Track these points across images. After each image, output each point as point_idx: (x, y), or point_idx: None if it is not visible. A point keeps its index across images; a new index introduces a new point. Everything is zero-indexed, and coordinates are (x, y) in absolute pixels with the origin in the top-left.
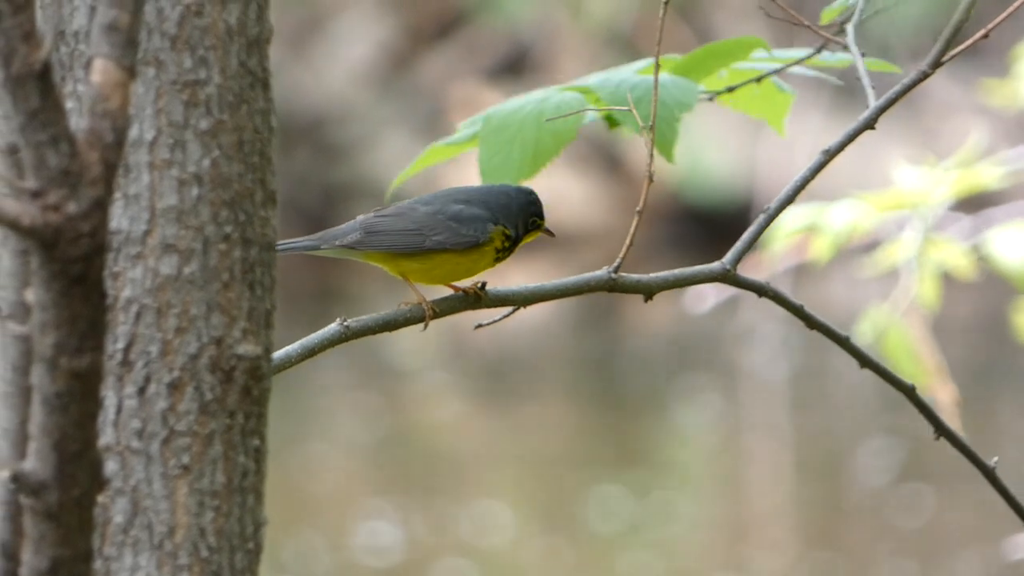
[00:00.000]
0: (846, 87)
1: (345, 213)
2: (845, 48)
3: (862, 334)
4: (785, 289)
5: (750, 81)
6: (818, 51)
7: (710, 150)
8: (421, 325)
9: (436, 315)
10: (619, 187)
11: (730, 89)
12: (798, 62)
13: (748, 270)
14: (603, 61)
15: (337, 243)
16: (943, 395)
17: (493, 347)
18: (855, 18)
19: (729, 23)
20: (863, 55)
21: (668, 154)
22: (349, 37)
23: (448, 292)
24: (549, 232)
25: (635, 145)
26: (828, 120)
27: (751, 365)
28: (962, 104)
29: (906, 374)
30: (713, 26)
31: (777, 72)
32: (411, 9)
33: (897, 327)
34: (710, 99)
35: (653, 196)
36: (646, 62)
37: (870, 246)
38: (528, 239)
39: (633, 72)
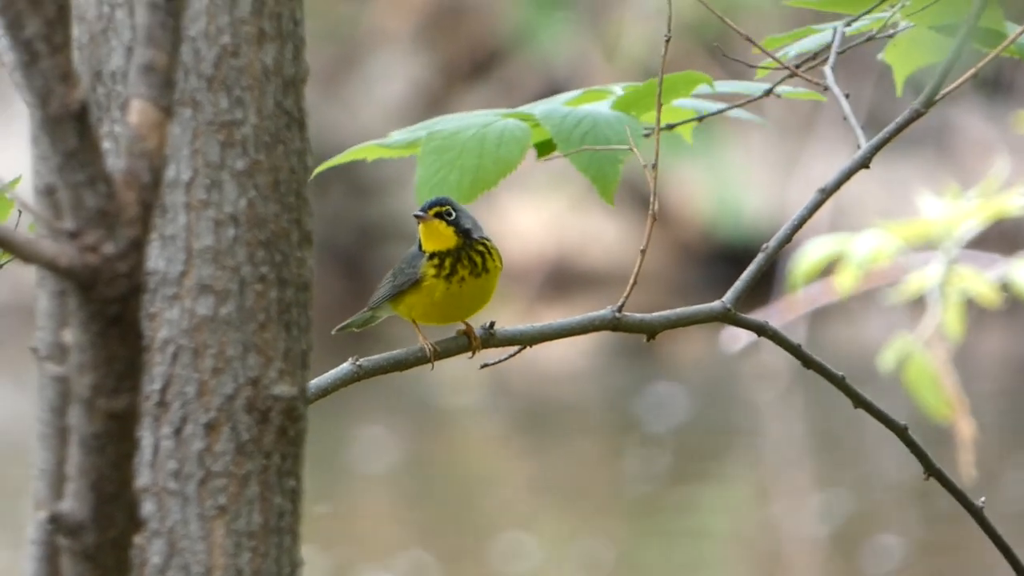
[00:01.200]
0: (878, 125)
1: (379, 252)
2: (825, 88)
3: (885, 363)
4: (808, 328)
5: (691, 120)
6: (767, 93)
7: (740, 188)
8: (429, 365)
9: (439, 355)
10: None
11: (670, 127)
12: (741, 104)
13: (780, 309)
14: None
15: (364, 311)
16: (962, 428)
17: (527, 382)
18: (831, 59)
19: (759, 60)
20: (846, 96)
21: (607, 196)
22: (384, 75)
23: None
24: (418, 216)
25: (668, 185)
26: (854, 151)
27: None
28: (999, 143)
29: (928, 405)
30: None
31: (719, 113)
32: (445, 47)
33: (920, 357)
34: (647, 135)
35: (684, 235)
36: (575, 93)
37: (899, 281)
38: (424, 235)
39: (563, 102)
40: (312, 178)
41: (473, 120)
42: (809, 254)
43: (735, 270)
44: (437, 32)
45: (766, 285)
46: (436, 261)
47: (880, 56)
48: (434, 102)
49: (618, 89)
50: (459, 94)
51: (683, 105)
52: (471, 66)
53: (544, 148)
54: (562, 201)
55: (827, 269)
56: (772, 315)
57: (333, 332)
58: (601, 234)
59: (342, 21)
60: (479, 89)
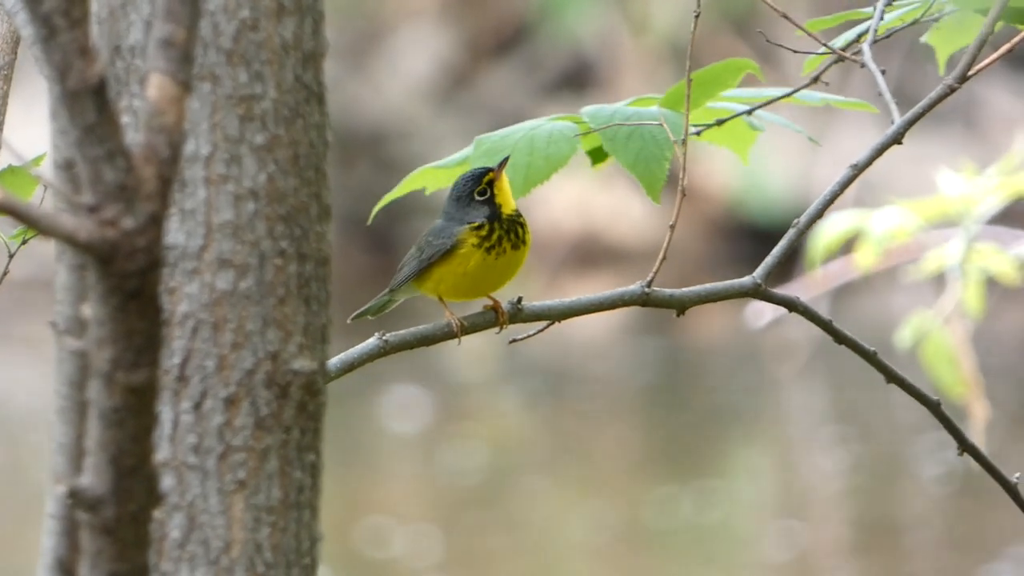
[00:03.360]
0: (905, 101)
1: (406, 227)
2: (863, 65)
3: (903, 340)
4: (832, 303)
5: (739, 114)
6: (797, 89)
7: (766, 165)
8: (456, 340)
9: (466, 330)
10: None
11: (720, 122)
12: (780, 98)
13: (805, 284)
14: (663, 76)
15: (383, 294)
16: (976, 408)
17: (551, 356)
18: (870, 37)
19: (788, 39)
20: (883, 72)
21: (654, 194)
22: (409, 51)
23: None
24: (501, 163)
25: (694, 160)
26: (885, 130)
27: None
28: None
29: (944, 382)
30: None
31: (764, 105)
32: (471, 23)
33: (938, 335)
34: (697, 134)
35: (711, 212)
36: (636, 97)
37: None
38: (501, 192)
39: (624, 105)
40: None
41: (521, 127)
42: (827, 230)
43: (761, 245)
44: (462, 7)
45: (791, 261)
46: (483, 231)
47: (923, 39)
48: (459, 78)
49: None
50: (484, 70)
51: (726, 107)
52: (496, 42)
53: (597, 155)
54: (589, 176)
55: (849, 245)
56: (797, 290)
57: (349, 320)
58: (628, 209)
59: None
60: (505, 65)
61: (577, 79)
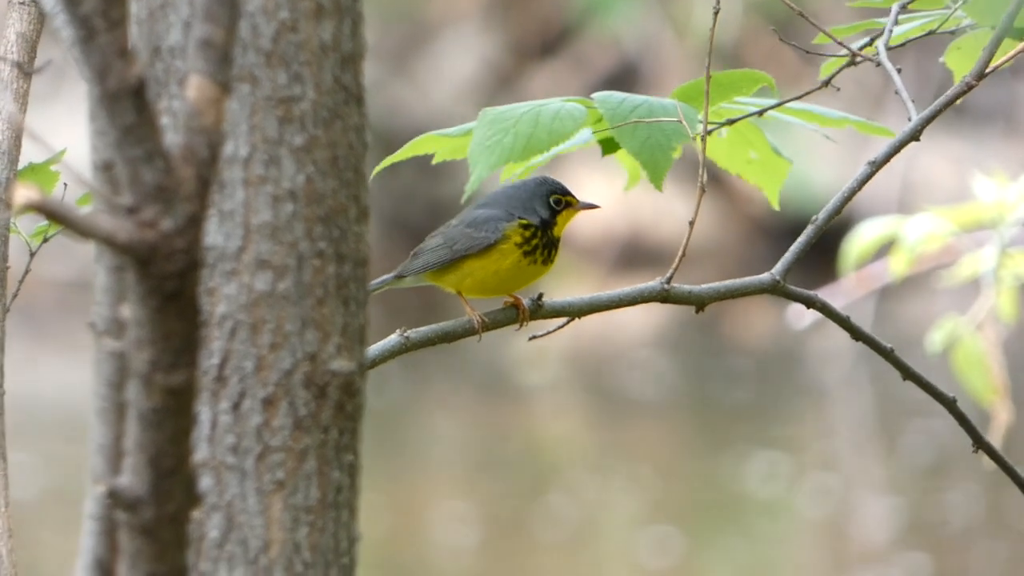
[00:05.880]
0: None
1: None
2: (878, 64)
3: (933, 345)
4: (878, 303)
5: (752, 114)
6: (812, 91)
7: (809, 163)
8: (477, 336)
9: (487, 327)
10: (722, 202)
11: (731, 122)
12: (792, 100)
13: (848, 285)
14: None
15: (390, 277)
16: (1000, 414)
17: (595, 355)
18: (885, 36)
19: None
20: (898, 70)
21: (657, 181)
22: (453, 53)
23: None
24: (589, 205)
25: None
26: (926, 132)
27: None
28: None
29: (974, 387)
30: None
31: (775, 107)
32: (516, 25)
33: (969, 339)
34: (709, 133)
35: (753, 212)
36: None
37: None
38: (565, 221)
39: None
40: (381, 168)
41: (531, 104)
42: (861, 236)
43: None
44: (507, 10)
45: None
46: (528, 232)
47: (942, 59)
48: (504, 80)
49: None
50: (529, 72)
51: (739, 108)
52: (541, 44)
53: (609, 146)
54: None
55: (889, 248)
56: (840, 291)
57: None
58: (672, 210)
59: (412, 0)
60: (549, 67)
61: (621, 80)
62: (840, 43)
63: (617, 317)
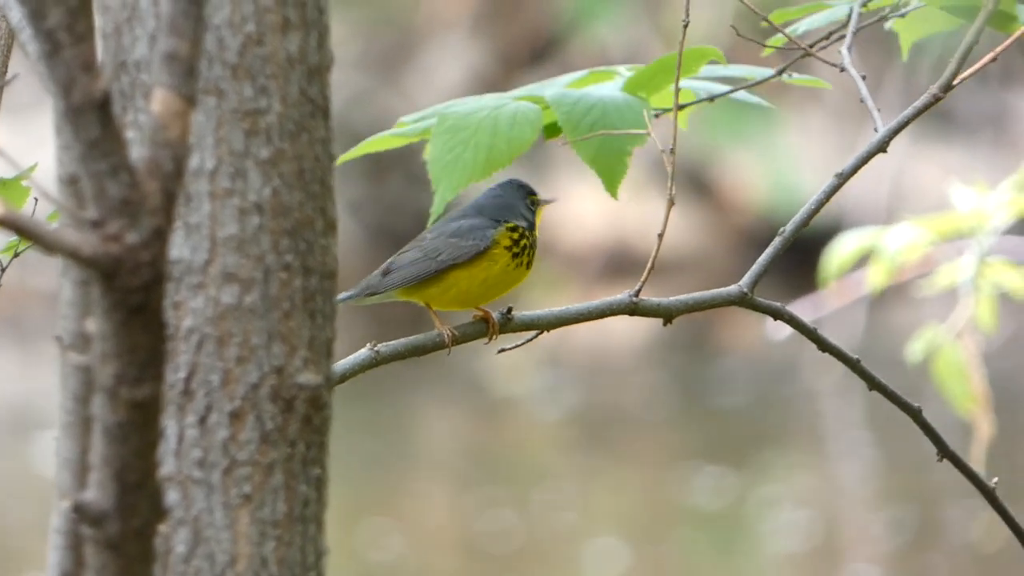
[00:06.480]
0: (937, 110)
1: None
2: (842, 69)
3: (913, 354)
4: (869, 312)
5: (704, 100)
6: (780, 73)
7: (798, 172)
8: (447, 350)
9: (457, 340)
10: (709, 212)
11: (681, 107)
12: (759, 82)
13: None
14: None
15: (357, 292)
16: (981, 425)
17: (583, 365)
18: (848, 39)
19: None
20: (863, 77)
21: (612, 190)
22: (441, 62)
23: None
24: (550, 200)
25: (724, 169)
26: (916, 140)
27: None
28: None
29: (954, 397)
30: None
31: (728, 93)
32: (504, 33)
33: (949, 349)
34: (657, 116)
35: (742, 224)
36: (581, 73)
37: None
38: (538, 219)
39: (567, 84)
40: (339, 165)
41: (485, 103)
42: (841, 248)
43: (793, 256)
44: (495, 19)
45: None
46: (516, 233)
47: (887, 25)
48: (492, 89)
49: (624, 70)
50: (517, 81)
51: (692, 87)
52: (529, 53)
53: (551, 130)
54: (621, 187)
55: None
56: (824, 302)
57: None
58: (659, 220)
59: (400, 7)
60: (537, 76)
61: None
62: (808, 50)
63: (607, 325)
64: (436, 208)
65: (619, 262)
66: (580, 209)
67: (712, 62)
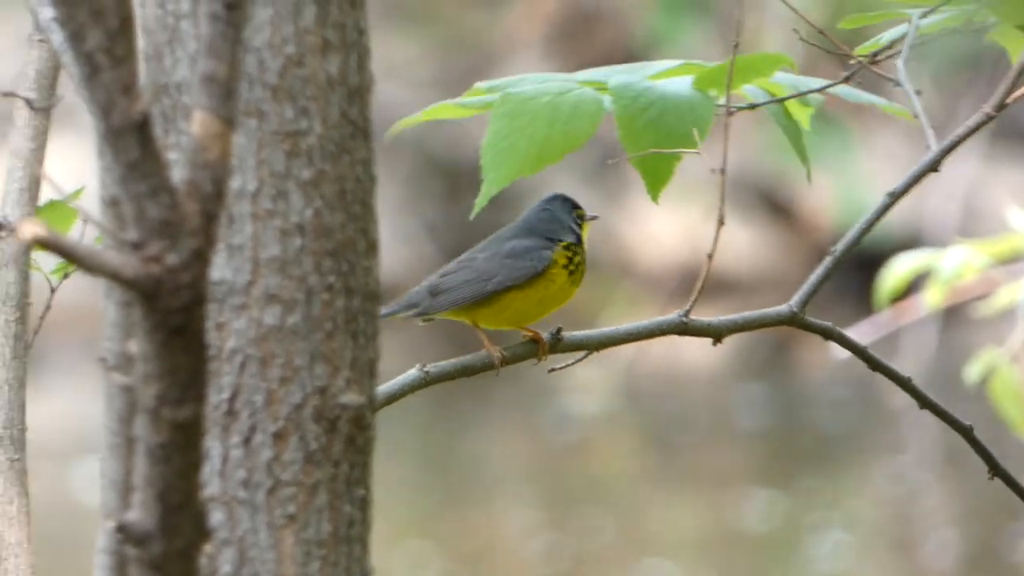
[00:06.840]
0: (1002, 127)
1: None
2: (897, 84)
3: (970, 375)
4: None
5: (775, 101)
6: (845, 79)
7: (872, 192)
8: (495, 372)
9: (506, 361)
10: (787, 231)
11: (753, 106)
12: (822, 89)
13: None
14: None
15: (406, 313)
16: None
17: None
18: (904, 53)
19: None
20: (918, 93)
21: (654, 194)
22: None
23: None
24: (594, 217)
25: (800, 190)
26: (987, 158)
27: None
28: None
29: (1010, 418)
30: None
31: (800, 96)
32: (578, 54)
33: (1006, 371)
34: (730, 114)
35: (819, 241)
36: (667, 64)
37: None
38: (585, 234)
39: (649, 76)
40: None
41: (549, 86)
42: (895, 270)
43: (871, 275)
44: (570, 38)
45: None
46: (570, 253)
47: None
48: None
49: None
50: None
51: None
52: None
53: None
54: (696, 207)
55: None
56: (889, 321)
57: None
58: (733, 240)
59: (474, 29)
60: None
61: None
62: (862, 62)
63: (678, 345)
64: (480, 201)
65: (694, 282)
66: (657, 229)
67: (784, 69)
